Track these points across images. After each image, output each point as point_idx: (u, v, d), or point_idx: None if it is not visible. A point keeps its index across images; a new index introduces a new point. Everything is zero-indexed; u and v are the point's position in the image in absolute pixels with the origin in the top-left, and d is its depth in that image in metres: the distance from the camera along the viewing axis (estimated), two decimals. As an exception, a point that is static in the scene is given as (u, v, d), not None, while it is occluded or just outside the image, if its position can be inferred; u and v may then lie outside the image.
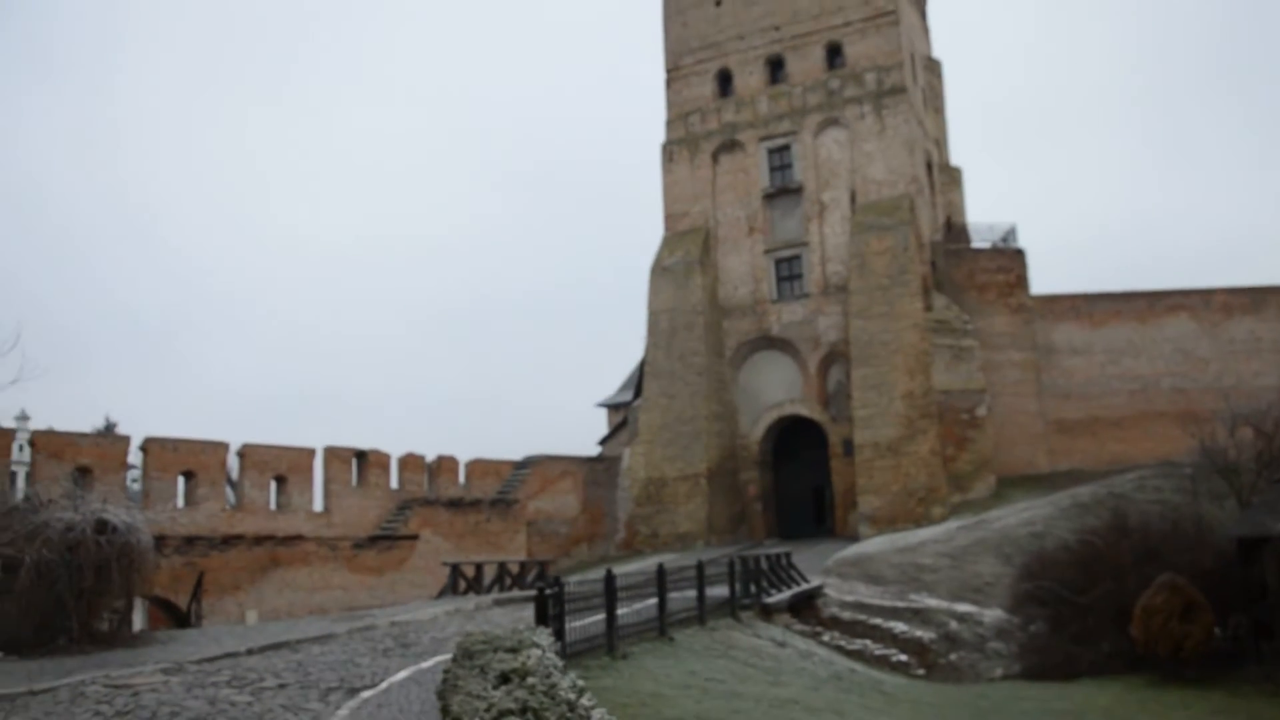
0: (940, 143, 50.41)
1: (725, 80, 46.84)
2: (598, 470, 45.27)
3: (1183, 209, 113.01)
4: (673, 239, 45.77)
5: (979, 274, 44.09)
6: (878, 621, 26.75)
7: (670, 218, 46.37)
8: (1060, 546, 25.94)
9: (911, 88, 44.15)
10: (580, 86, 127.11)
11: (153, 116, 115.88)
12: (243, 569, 29.25)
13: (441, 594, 29.23)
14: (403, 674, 13.56)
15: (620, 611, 16.17)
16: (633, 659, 15.69)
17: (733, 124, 45.90)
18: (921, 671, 24.75)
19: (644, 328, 45.05)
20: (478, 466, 40.41)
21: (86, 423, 46.23)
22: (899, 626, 26.61)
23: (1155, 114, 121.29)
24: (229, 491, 33.11)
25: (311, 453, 33.84)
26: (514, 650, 10.08)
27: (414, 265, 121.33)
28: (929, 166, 46.39)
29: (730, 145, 45.79)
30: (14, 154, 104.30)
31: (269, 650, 16.38)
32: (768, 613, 24.16)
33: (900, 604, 28.04)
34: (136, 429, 50.38)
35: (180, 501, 29.96)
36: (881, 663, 24.40)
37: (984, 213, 76.10)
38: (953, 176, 50.90)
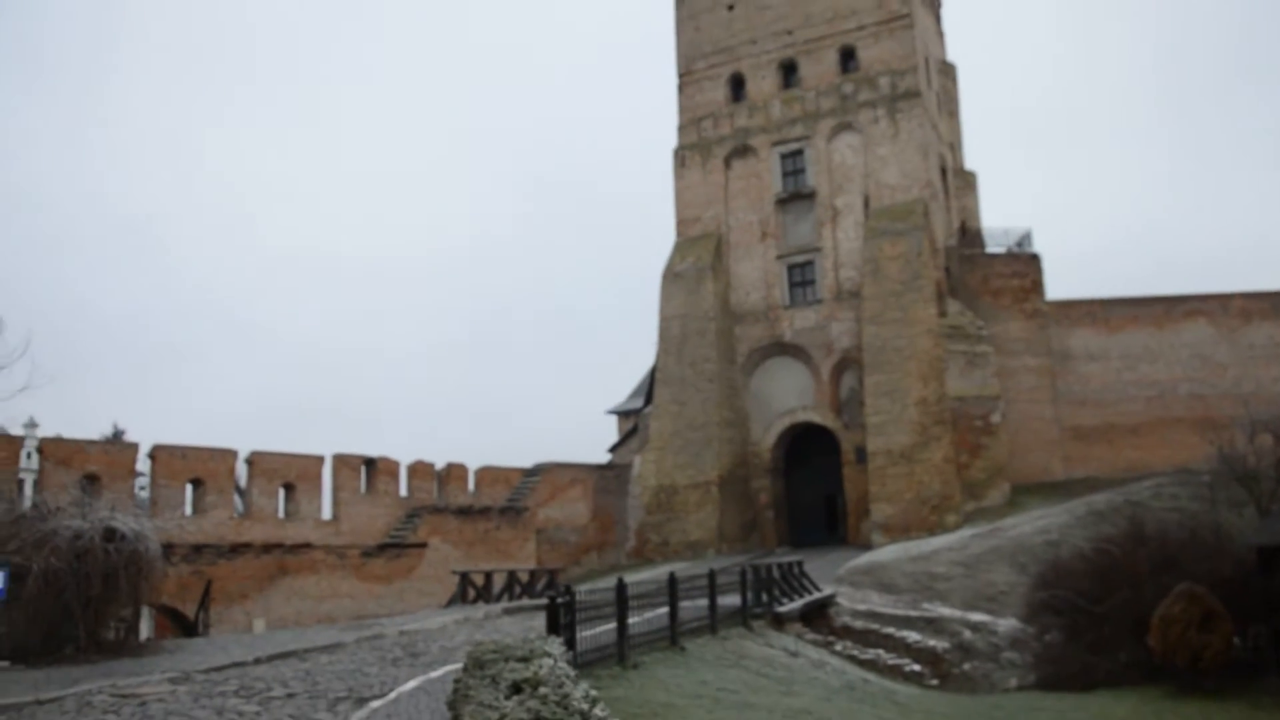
0: (955, 147, 50.34)
1: (738, 85, 46.86)
2: (608, 478, 45.26)
3: (1199, 213, 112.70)
4: (684, 244, 45.78)
5: (994, 279, 44.01)
6: (891, 631, 26.69)
7: (682, 223, 46.39)
8: (1076, 555, 25.85)
9: (926, 91, 44.11)
10: (591, 92, 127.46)
11: (152, 120, 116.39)
12: (250, 577, 29.29)
13: (450, 602, 29.28)
14: (412, 684, 13.57)
15: (631, 620, 16.15)
16: (644, 669, 15.67)
17: (745, 128, 45.92)
18: (935, 682, 24.69)
19: (655, 334, 45.12)
20: (487, 474, 40.44)
21: (94, 430, 46.40)
22: (912, 636, 26.53)
23: (1171, 116, 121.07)
24: (237, 499, 33.22)
25: (320, 460, 33.91)
26: (526, 660, 10.07)
27: (424, 273, 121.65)
28: (943, 171, 46.32)
29: (743, 150, 45.81)
30: (9, 158, 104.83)
31: (277, 659, 16.43)
32: (780, 622, 24.11)
33: (913, 613, 27.95)
34: (145, 436, 50.63)
35: (188, 509, 30.09)
36: (895, 673, 24.36)
37: (999, 217, 76.33)
38: (967, 181, 50.85)
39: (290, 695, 12.87)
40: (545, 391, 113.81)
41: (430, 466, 37.99)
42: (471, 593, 28.45)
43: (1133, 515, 26.87)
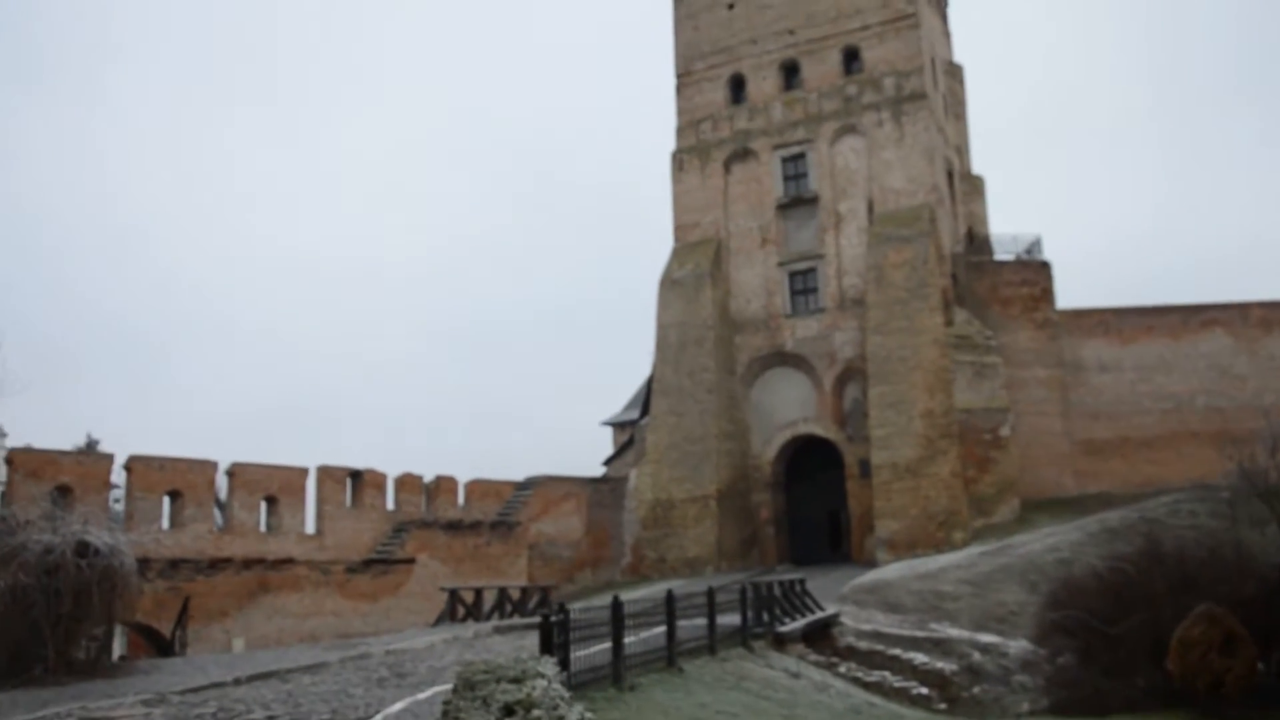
0: (962, 150, 50.38)
1: (738, 86, 46.87)
2: (603, 491, 45.11)
3: (1214, 218, 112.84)
4: (682, 250, 45.72)
5: (1002, 287, 44.01)
6: (897, 652, 26.53)
7: (680, 228, 46.35)
8: (1089, 574, 25.72)
9: (932, 93, 44.14)
10: (587, 95, 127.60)
11: (139, 123, 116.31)
12: (230, 594, 29.07)
13: (439, 621, 29.05)
14: (399, 705, 13.38)
15: (627, 640, 15.99)
16: (640, 690, 15.51)
17: (745, 131, 45.91)
18: (943, 705, 24.53)
19: (652, 343, 45.02)
20: (477, 487, 40.26)
21: (67, 440, 46.10)
22: (919, 657, 26.39)
23: (1187, 118, 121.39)
24: (217, 513, 32.97)
25: (304, 472, 33.73)
26: (518, 681, 9.92)
27: (414, 280, 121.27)
28: (950, 175, 46.33)
29: (743, 153, 45.79)
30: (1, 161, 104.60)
31: (257, 680, 16.25)
32: (781, 642, 23.96)
33: (920, 634, 27.81)
34: (120, 447, 50.24)
35: (165, 523, 29.82)
36: (901, 696, 24.19)
37: (1007, 223, 76.30)
38: (975, 186, 50.91)
39: (271, 718, 12.70)
40: (538, 401, 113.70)
41: (418, 479, 37.81)
42: (461, 610, 28.23)
43: (1149, 533, 26.75)
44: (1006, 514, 38.79)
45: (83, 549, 17.49)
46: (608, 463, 52.73)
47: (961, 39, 72.37)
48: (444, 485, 38.78)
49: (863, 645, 26.79)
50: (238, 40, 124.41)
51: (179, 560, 28.21)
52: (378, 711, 13.00)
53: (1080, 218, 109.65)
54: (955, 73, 51.22)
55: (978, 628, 28.36)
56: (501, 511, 40.29)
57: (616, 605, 15.72)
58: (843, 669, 24.79)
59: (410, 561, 34.48)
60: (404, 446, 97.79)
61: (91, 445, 45.51)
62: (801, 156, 44.77)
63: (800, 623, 25.52)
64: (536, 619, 15.22)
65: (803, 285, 44.00)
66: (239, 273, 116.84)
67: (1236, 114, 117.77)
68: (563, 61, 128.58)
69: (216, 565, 29.06)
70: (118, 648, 22.88)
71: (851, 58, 44.82)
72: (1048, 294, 43.65)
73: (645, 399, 47.33)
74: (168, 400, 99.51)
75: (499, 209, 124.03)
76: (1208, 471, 35.59)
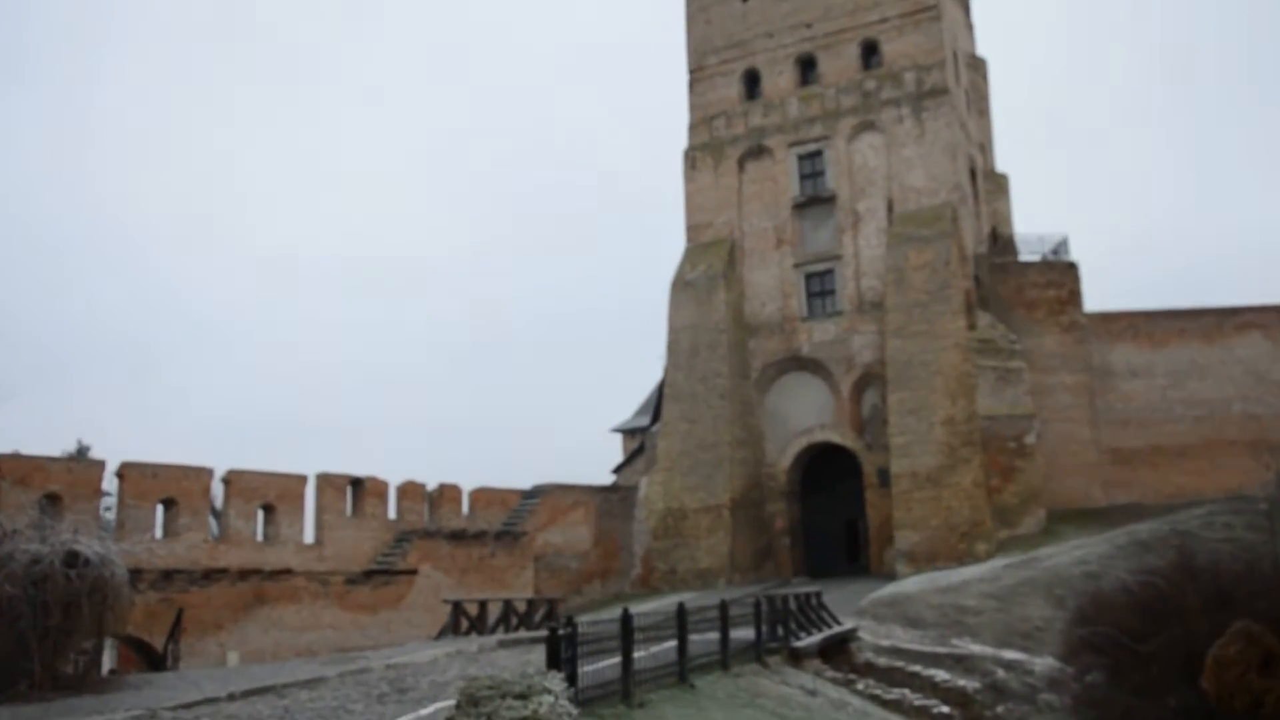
0: (985, 147, 50.25)
1: (752, 81, 46.78)
2: (612, 500, 45.03)
3: (1240, 214, 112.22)
4: (695, 251, 45.64)
5: (1027, 289, 43.85)
6: (917, 669, 26.45)
7: (692, 229, 46.27)
8: (1119, 588, 25.50)
9: (954, 88, 43.99)
10: (596, 92, 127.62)
11: (131, 123, 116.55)
12: (225, 606, 29.02)
13: (442, 634, 28.96)
14: (398, 723, 13.30)
15: (637, 655, 15.92)
16: (650, 707, 15.45)
17: (760, 128, 45.81)
18: (966, 725, 24.38)
19: (663, 347, 44.94)
20: (482, 496, 40.18)
21: (57, 446, 46.13)
22: (940, 675, 26.29)
23: (1208, 112, 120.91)
24: (212, 522, 32.95)
25: (303, 480, 33.68)
26: (524, 696, 9.85)
27: (416, 285, 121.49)
28: (972, 173, 46.19)
29: (757, 151, 45.70)
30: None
31: (252, 695, 16.15)
32: (796, 657, 23.87)
33: (941, 650, 27.73)
34: (112, 453, 50.36)
35: (159, 532, 29.79)
36: (921, 714, 24.09)
37: (1033, 223, 75.89)
38: (998, 184, 50.74)
39: (264, 735, 12.60)
40: (546, 407, 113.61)
41: (421, 487, 37.75)
42: (464, 623, 28.14)
43: (1181, 545, 26.58)
44: (1031, 525, 38.59)
45: (72, 559, 17.39)
46: (617, 470, 52.67)
47: (985, 31, 72.11)
48: (448, 494, 38.71)
49: (881, 661, 26.69)
50: (238, 40, 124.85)
51: (172, 571, 28.17)
52: (377, 729, 12.92)
53: (1103, 216, 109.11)
54: (978, 66, 51.08)
55: (1001, 644, 28.27)
56: (507, 521, 40.22)
57: (626, 618, 15.65)
58: (860, 686, 24.66)
59: (412, 573, 34.42)
60: (406, 454, 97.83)
61: (82, 451, 45.51)
62: (818, 154, 44.65)
63: (817, 637, 25.41)
64: (543, 632, 15.12)
65: (819, 287, 43.88)
66: (236, 277, 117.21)
67: (1260, 108, 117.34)
68: (567, 58, 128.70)
69: (211, 576, 29.00)
70: (108, 661, 22.76)
71: (870, 51, 44.71)
72: (1075, 296, 43.46)
73: (656, 405, 47.26)
74: (161, 406, 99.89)
75: (502, 214, 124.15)
76: (1244, 482, 35.46)
